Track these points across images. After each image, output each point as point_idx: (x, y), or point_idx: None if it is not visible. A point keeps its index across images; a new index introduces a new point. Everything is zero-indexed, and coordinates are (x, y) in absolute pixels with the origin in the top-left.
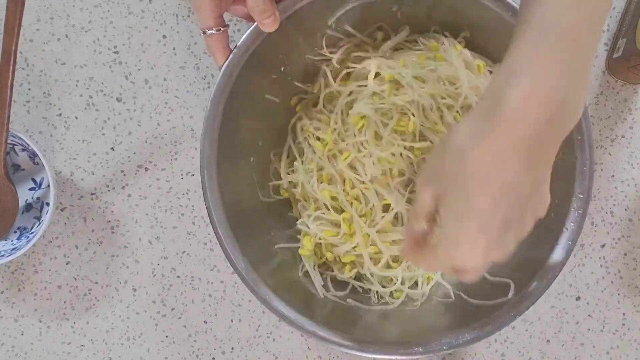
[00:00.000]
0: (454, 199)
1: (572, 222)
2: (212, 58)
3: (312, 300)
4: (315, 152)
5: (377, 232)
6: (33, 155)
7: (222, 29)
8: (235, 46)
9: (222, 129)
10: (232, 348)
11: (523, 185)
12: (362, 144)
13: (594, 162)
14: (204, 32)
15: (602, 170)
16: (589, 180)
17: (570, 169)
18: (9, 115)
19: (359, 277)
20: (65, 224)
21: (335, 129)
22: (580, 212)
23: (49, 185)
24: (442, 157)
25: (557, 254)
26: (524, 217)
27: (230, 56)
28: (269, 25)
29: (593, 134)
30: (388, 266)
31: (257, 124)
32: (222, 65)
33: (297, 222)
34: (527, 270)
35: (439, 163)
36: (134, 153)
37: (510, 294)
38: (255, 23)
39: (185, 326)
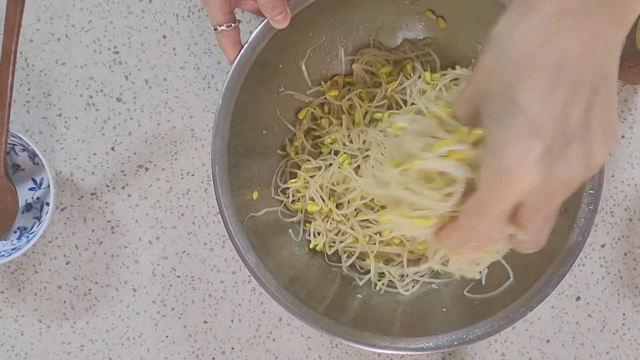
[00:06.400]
0: (496, 98)
1: (583, 217)
2: (223, 54)
3: (322, 296)
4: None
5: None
6: (33, 155)
7: (232, 24)
8: (247, 42)
9: (233, 125)
10: (232, 348)
11: (581, 64)
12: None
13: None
14: (215, 29)
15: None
16: (599, 176)
17: None
18: (9, 115)
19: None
20: (65, 224)
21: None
22: (591, 207)
23: (49, 185)
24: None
25: (568, 250)
26: (590, 126)
27: (241, 52)
28: (280, 21)
29: None
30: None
31: (267, 120)
32: (234, 61)
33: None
34: (537, 266)
35: (480, 71)
36: (134, 153)
37: (510, 280)
38: (266, 19)
39: (185, 326)
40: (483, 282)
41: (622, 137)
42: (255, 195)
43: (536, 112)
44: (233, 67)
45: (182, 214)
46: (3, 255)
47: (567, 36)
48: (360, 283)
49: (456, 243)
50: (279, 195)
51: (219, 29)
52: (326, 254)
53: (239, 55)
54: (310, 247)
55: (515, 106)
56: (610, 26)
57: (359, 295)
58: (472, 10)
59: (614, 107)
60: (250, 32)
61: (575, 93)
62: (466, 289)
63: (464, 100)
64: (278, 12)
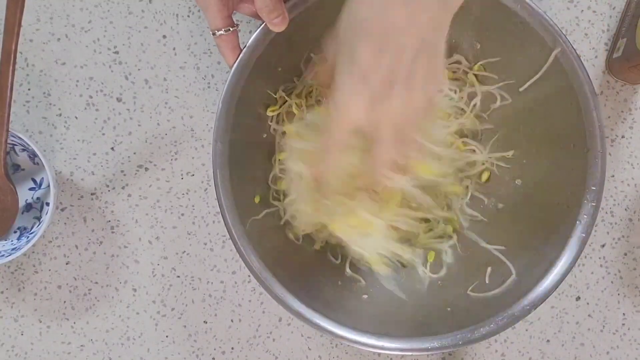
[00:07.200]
0: (341, 54)
1: (585, 214)
2: (223, 58)
3: (324, 297)
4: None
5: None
6: (33, 155)
7: (231, 29)
8: (245, 46)
9: (233, 128)
10: (232, 348)
11: (407, 35)
12: None
13: (606, 154)
14: (214, 33)
15: None
16: (601, 172)
17: (582, 161)
18: (9, 115)
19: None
20: (65, 224)
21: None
22: (594, 204)
23: (49, 185)
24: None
25: (571, 247)
26: (412, 78)
27: (240, 56)
28: (278, 24)
29: (604, 125)
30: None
31: (267, 123)
32: (233, 65)
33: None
34: (540, 264)
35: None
36: (134, 153)
37: (513, 277)
38: (264, 23)
39: (185, 326)
40: (487, 281)
41: (622, 137)
42: (257, 199)
43: (366, 67)
44: (232, 71)
45: (182, 214)
46: (3, 255)
47: (393, 11)
48: (364, 283)
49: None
50: (275, 201)
51: (218, 33)
52: (330, 254)
53: (238, 59)
54: (315, 247)
55: (352, 61)
56: (435, 5)
57: (365, 296)
58: (471, 10)
59: (439, 64)
60: (250, 32)
61: (400, 54)
62: (470, 289)
63: (327, 59)
64: (276, 15)
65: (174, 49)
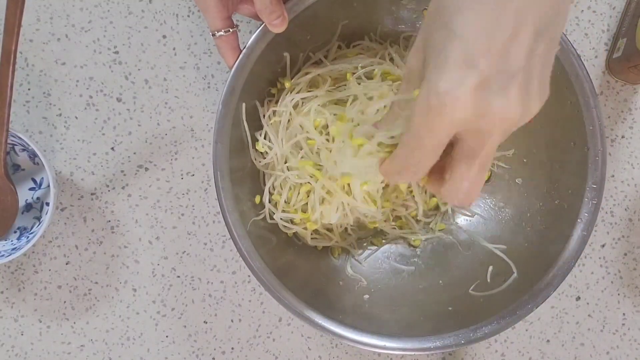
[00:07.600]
0: (438, 32)
1: (586, 212)
2: (222, 59)
3: (326, 297)
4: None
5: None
6: (33, 155)
7: (230, 30)
8: (245, 47)
9: (233, 130)
10: (232, 348)
11: (526, 5)
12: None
13: (606, 152)
14: (213, 34)
15: None
16: (601, 170)
17: (582, 159)
18: (8, 115)
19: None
20: (65, 224)
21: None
22: (594, 202)
23: (49, 185)
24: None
25: (572, 245)
26: (531, 69)
27: (240, 56)
28: (278, 25)
29: (604, 124)
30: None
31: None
32: (233, 65)
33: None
34: (541, 262)
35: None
36: (134, 153)
37: (514, 276)
38: (264, 23)
39: (185, 326)
40: (488, 280)
41: (622, 137)
42: (257, 199)
43: (473, 42)
44: (232, 72)
45: (182, 214)
46: (3, 255)
47: None
48: (366, 283)
49: (394, 172)
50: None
51: (217, 34)
52: (331, 254)
53: (238, 60)
54: (319, 247)
55: (453, 35)
56: None
57: (366, 296)
58: None
59: (552, 61)
60: (250, 33)
61: (517, 32)
62: (471, 287)
63: (415, 50)
64: (276, 16)
65: (174, 49)
